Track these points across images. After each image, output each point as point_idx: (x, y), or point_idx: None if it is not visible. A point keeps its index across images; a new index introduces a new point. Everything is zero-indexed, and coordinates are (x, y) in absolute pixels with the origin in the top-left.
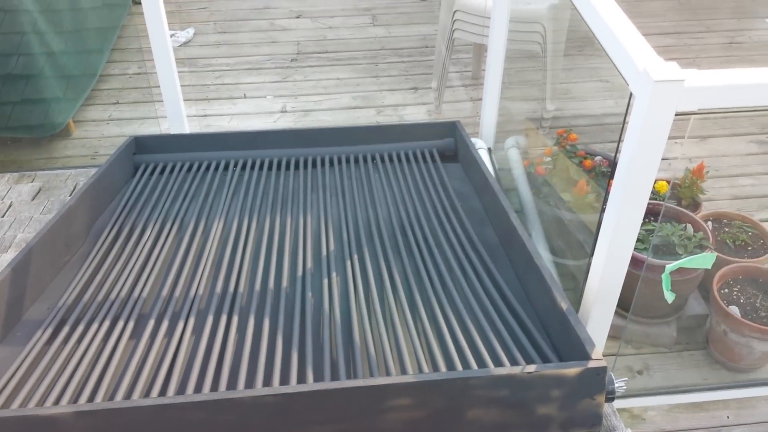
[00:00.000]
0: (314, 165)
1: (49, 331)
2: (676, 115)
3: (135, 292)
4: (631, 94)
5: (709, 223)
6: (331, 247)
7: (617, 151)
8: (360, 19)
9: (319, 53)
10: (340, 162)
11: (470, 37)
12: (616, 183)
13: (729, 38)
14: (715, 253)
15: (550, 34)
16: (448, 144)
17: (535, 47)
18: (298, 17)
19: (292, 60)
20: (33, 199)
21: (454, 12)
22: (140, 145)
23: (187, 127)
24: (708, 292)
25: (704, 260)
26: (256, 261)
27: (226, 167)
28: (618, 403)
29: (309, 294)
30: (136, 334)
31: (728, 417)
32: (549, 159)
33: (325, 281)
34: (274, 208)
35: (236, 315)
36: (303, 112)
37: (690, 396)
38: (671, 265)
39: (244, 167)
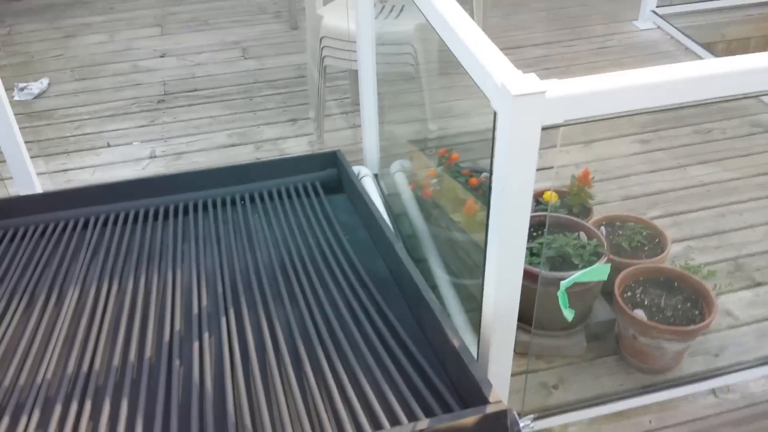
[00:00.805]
0: (186, 212)
1: None
2: (543, 129)
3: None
4: (495, 111)
5: (602, 228)
6: (204, 302)
7: (491, 169)
8: (229, 54)
9: (188, 92)
10: (215, 206)
11: (342, 63)
12: (494, 201)
13: (599, 44)
14: (608, 264)
15: (422, 54)
16: (330, 175)
17: (408, 69)
18: (162, 56)
19: (159, 101)
20: None
21: (321, 38)
22: None
23: (39, 187)
24: (612, 296)
25: (598, 272)
26: (116, 331)
27: (86, 226)
28: (537, 424)
29: (177, 362)
30: None
31: (650, 421)
32: (435, 180)
33: (196, 344)
34: (139, 266)
35: (89, 400)
36: (174, 155)
37: (610, 406)
38: (565, 282)
39: (105, 223)
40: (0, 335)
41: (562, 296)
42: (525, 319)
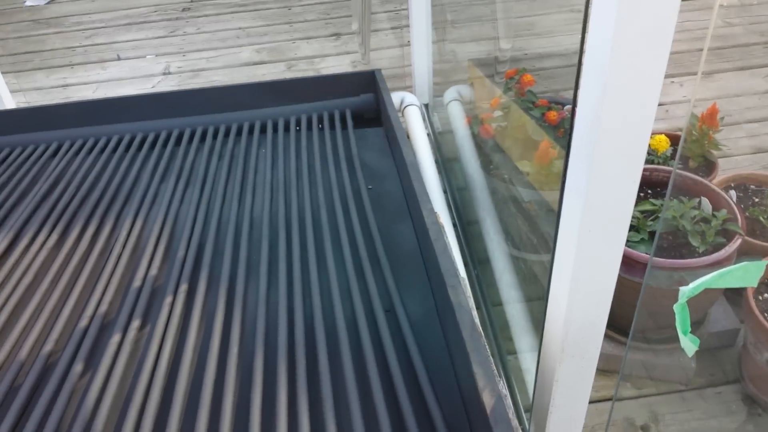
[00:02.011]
0: (178, 142)
1: None
2: None
3: None
4: None
5: (732, 192)
6: (154, 269)
7: (577, 81)
8: None
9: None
10: (215, 136)
11: None
12: (578, 133)
13: None
14: (764, 262)
15: None
16: (365, 102)
17: None
18: None
19: (183, 9)
20: None
21: None
22: None
23: (10, 104)
24: (741, 298)
25: (749, 273)
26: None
27: (56, 152)
28: None
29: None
30: None
31: None
32: (498, 113)
33: (136, 321)
34: (95, 210)
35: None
36: (191, 72)
37: None
38: (692, 288)
39: (79, 151)
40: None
41: (681, 311)
42: (611, 322)
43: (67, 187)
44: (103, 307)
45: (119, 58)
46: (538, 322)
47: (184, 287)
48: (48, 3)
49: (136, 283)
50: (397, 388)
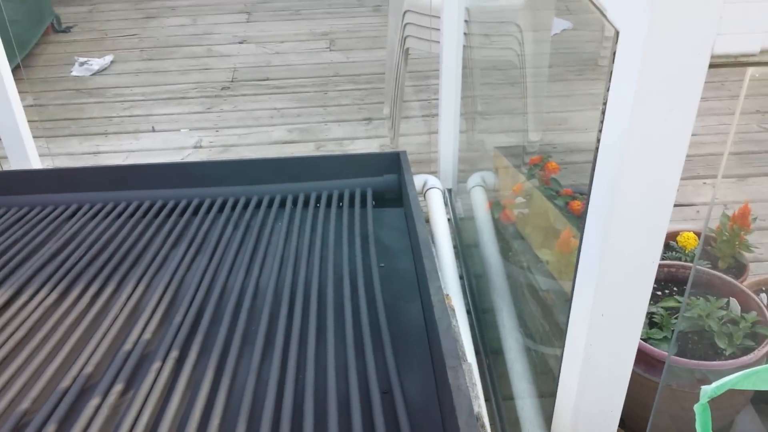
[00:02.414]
0: (196, 211)
1: None
2: (713, 64)
3: None
4: (615, 30)
5: (763, 295)
6: (146, 336)
7: (595, 155)
8: (314, 44)
9: (257, 81)
10: (233, 207)
11: (427, 46)
12: (593, 214)
13: None
14: None
15: (530, 42)
16: (388, 183)
17: (508, 56)
18: (241, 42)
19: (223, 88)
20: None
21: (404, 13)
22: None
23: (38, 165)
24: None
25: None
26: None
27: (74, 214)
28: None
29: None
30: None
31: None
32: (521, 200)
33: (94, 401)
34: (101, 272)
35: None
36: (222, 147)
37: None
38: (714, 387)
39: (96, 215)
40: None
41: (702, 412)
42: (630, 425)
43: (77, 248)
44: (89, 369)
45: (154, 130)
46: (550, 419)
47: (174, 354)
48: (93, 75)
49: (127, 346)
50: None
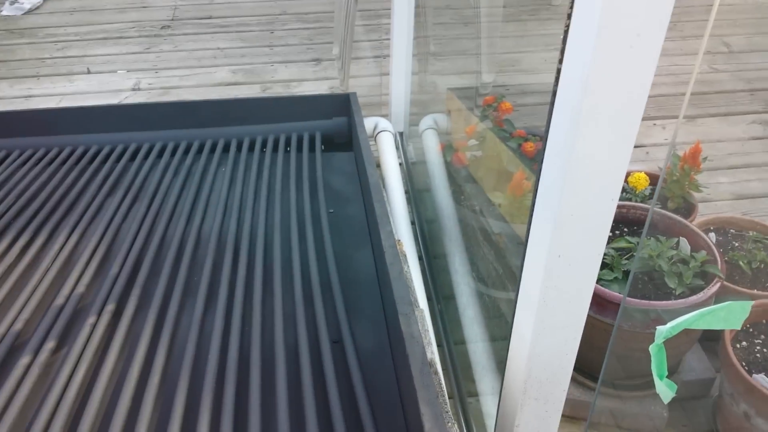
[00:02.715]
0: (133, 157)
1: None
2: None
3: None
4: None
5: (712, 235)
6: (80, 289)
7: (554, 90)
8: None
9: (199, 19)
10: (173, 152)
11: None
12: (550, 153)
13: None
14: (749, 302)
15: None
16: (338, 126)
17: None
18: None
19: (162, 27)
20: None
21: None
22: None
23: None
24: (717, 345)
25: (732, 314)
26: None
27: (2, 161)
28: None
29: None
30: None
31: None
32: (473, 141)
33: (24, 360)
34: (30, 223)
35: None
36: (161, 89)
37: None
38: (669, 327)
39: (26, 161)
40: None
41: (657, 353)
42: (579, 364)
43: (5, 197)
44: (18, 326)
45: (89, 71)
46: (503, 363)
47: (110, 307)
48: (24, 14)
49: (59, 300)
50: (336, 428)
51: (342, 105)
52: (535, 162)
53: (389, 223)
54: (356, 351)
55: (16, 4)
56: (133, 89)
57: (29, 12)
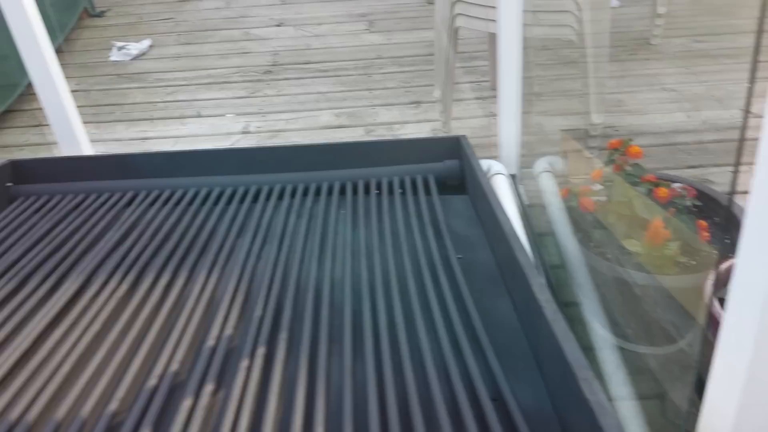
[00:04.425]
0: (255, 198)
1: None
2: None
3: None
4: None
5: None
6: (228, 331)
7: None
8: (353, 26)
9: (299, 64)
10: (293, 194)
11: (478, 24)
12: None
13: None
14: None
15: (590, 21)
16: (449, 168)
17: (566, 32)
18: (278, 25)
19: (264, 72)
20: None
21: None
22: (21, 171)
23: (90, 151)
24: None
25: None
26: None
27: (131, 201)
28: None
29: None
30: None
31: None
32: (600, 186)
33: (186, 403)
34: (169, 262)
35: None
36: (270, 132)
37: None
38: None
39: (154, 202)
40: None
41: None
42: None
43: (140, 237)
44: (174, 366)
45: (199, 115)
46: (653, 425)
47: (261, 351)
48: (132, 60)
49: (210, 342)
50: None
51: (452, 147)
52: (670, 207)
53: (539, 275)
54: (521, 412)
55: (124, 50)
56: (243, 132)
57: (136, 58)
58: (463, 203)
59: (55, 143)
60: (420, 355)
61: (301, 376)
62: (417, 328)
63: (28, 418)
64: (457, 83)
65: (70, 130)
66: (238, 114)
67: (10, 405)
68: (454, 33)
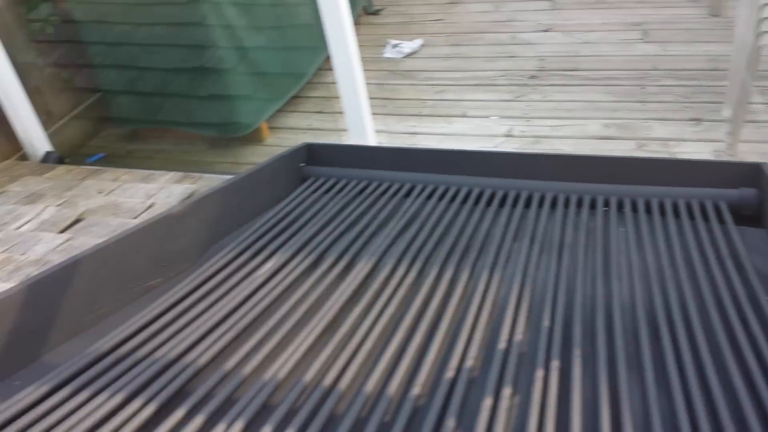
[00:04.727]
0: (527, 204)
1: (40, 392)
2: None
3: (226, 359)
4: None
5: None
6: (518, 336)
7: None
8: (626, 35)
9: (566, 71)
10: (566, 204)
11: None
12: None
13: None
14: None
15: None
16: (744, 197)
17: None
18: (546, 31)
19: (531, 77)
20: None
21: (763, 7)
22: (313, 154)
23: (373, 142)
24: None
25: None
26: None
27: (409, 193)
28: None
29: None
30: None
31: None
32: None
33: (487, 401)
34: (450, 256)
35: None
36: (533, 138)
37: None
38: None
39: (430, 196)
40: (274, 292)
41: None
42: None
43: (421, 228)
44: (469, 362)
45: (465, 115)
46: None
47: (556, 363)
48: (404, 57)
49: (501, 344)
50: None
51: (748, 174)
52: None
53: None
54: None
55: (397, 48)
56: (507, 135)
57: (408, 56)
58: (760, 238)
59: (335, 130)
60: (737, 402)
61: (602, 398)
62: (729, 371)
63: (339, 387)
64: (753, 103)
65: (360, 121)
66: (502, 117)
67: (320, 371)
68: (756, 51)
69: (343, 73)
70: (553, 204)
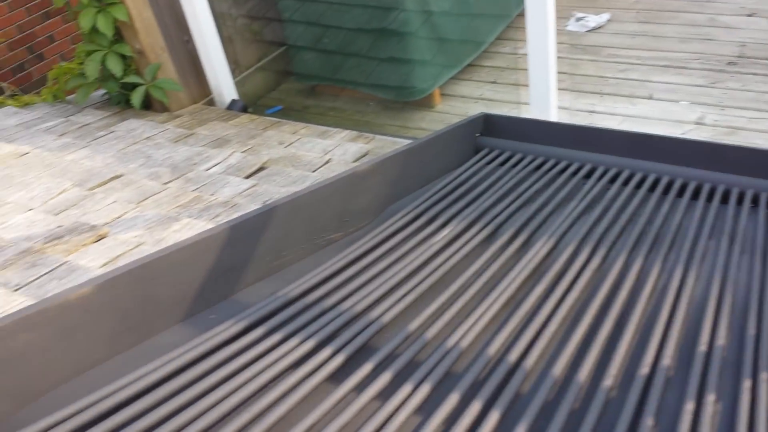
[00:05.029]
0: (724, 199)
1: (236, 329)
2: None
3: (408, 320)
4: None
5: None
6: (719, 340)
7: None
8: None
9: None
10: (761, 203)
11: None
12: None
13: None
14: None
15: None
16: None
17: None
18: (750, 15)
19: (728, 63)
20: (355, 161)
21: None
22: (490, 125)
23: (554, 118)
24: None
25: None
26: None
27: (589, 175)
28: None
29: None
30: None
31: None
32: None
33: (689, 405)
34: (638, 246)
35: None
36: (727, 128)
37: None
38: None
39: (613, 180)
40: (446, 260)
41: None
42: None
43: (604, 214)
44: (665, 361)
45: (651, 98)
46: None
47: (765, 376)
48: (587, 31)
49: (701, 346)
50: None
51: None
52: None
53: None
54: None
55: (582, 21)
56: (697, 123)
57: (592, 30)
58: None
59: (510, 102)
60: None
61: None
62: None
63: (525, 365)
64: None
65: (546, 94)
66: (692, 103)
67: (503, 345)
68: None
69: (537, 45)
70: (755, 202)
